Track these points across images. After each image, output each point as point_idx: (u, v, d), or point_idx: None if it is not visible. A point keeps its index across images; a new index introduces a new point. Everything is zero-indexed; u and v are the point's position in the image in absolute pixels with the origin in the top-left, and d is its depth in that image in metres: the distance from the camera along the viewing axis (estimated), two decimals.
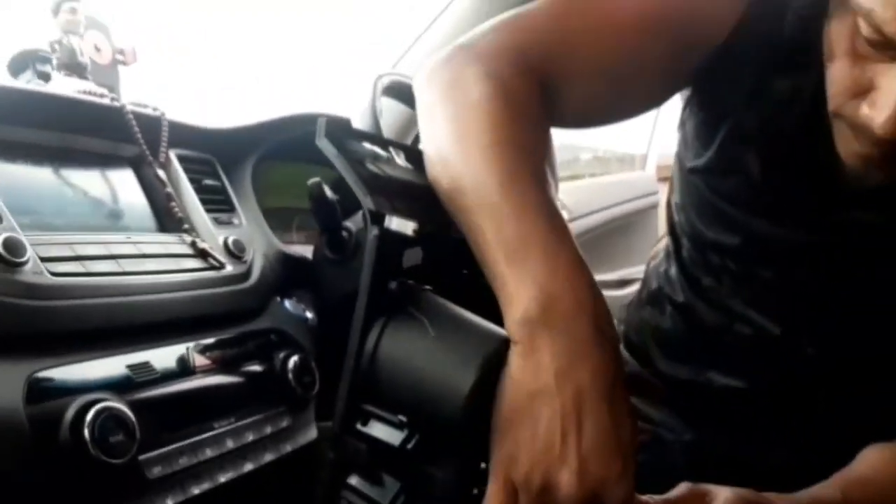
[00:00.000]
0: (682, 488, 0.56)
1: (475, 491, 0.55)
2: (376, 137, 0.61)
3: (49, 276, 0.59)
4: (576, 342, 0.47)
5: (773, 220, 0.66)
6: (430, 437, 0.51)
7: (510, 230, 0.50)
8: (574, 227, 1.37)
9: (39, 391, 0.56)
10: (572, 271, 0.49)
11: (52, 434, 0.55)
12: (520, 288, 0.48)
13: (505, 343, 0.50)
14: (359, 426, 0.52)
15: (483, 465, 0.54)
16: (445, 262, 0.61)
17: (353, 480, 0.53)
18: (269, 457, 0.70)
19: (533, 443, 0.46)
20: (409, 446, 0.50)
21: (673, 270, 0.78)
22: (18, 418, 0.54)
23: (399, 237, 0.52)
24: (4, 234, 0.58)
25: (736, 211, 0.67)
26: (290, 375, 0.75)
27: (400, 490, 0.52)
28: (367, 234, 0.52)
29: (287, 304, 0.87)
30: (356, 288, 0.82)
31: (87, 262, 0.64)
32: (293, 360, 0.76)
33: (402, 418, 0.51)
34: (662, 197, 1.81)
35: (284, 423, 0.74)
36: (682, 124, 0.73)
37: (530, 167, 0.53)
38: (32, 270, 0.58)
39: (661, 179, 1.89)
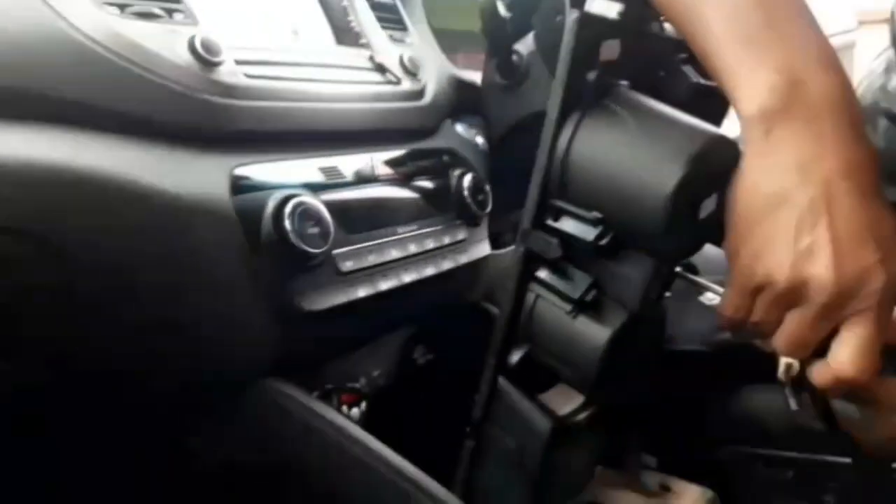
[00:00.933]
0: None
1: (667, 294, 0.53)
2: None
3: (244, 77, 0.61)
4: (823, 132, 0.41)
5: None
6: (626, 235, 0.49)
7: (746, 14, 0.43)
8: None
9: (241, 185, 0.59)
10: (823, 55, 0.42)
11: (256, 225, 0.58)
12: (758, 76, 0.42)
13: (716, 140, 0.47)
14: (550, 221, 0.51)
15: (678, 269, 0.52)
16: (643, 61, 0.57)
17: (543, 274, 0.53)
18: (447, 265, 0.72)
19: (775, 241, 0.42)
20: (603, 242, 0.49)
21: (894, 83, 0.69)
22: (226, 207, 0.57)
23: (600, 21, 0.48)
24: (202, 35, 0.59)
25: None
26: (466, 193, 0.75)
27: (591, 285, 0.51)
28: (566, 18, 0.48)
29: (459, 126, 0.86)
30: (525, 115, 0.80)
31: (276, 68, 0.64)
32: (468, 178, 0.76)
33: (597, 215, 0.49)
34: (861, 38, 1.62)
35: (461, 236, 0.75)
36: None
37: None
38: (228, 71, 0.60)
39: (862, 22, 1.67)
